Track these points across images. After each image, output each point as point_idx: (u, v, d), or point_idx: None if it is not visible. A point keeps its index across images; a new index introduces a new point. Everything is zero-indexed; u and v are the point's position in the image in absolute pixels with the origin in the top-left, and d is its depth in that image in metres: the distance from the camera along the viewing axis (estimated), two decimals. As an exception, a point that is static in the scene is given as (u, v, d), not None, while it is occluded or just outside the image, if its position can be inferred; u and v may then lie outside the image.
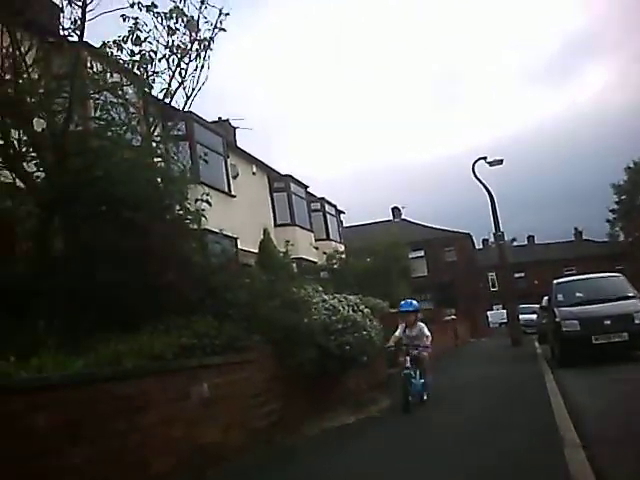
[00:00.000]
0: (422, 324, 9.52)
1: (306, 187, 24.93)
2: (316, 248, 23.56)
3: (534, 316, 26.72)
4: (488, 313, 43.74)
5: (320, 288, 10.53)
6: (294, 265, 15.34)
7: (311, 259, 22.37)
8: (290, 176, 23.57)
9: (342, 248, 26.32)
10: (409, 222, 45.82)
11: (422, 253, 41.62)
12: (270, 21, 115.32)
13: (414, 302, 9.81)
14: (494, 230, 24.74)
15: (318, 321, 8.86)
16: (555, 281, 15.40)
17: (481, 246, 60.82)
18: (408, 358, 8.84)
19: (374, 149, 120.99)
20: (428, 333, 9.33)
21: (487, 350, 23.37)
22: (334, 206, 28.65)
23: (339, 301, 10.02)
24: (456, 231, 44.96)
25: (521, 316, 26.56)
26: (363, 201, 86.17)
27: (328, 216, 27.21)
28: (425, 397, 9.21)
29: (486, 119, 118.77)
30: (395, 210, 48.38)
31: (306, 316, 8.63)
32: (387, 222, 44.55)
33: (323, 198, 27.22)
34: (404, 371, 8.70)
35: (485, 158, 24.79)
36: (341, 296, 10.52)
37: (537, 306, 22.69)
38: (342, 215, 30.60)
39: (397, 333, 9.39)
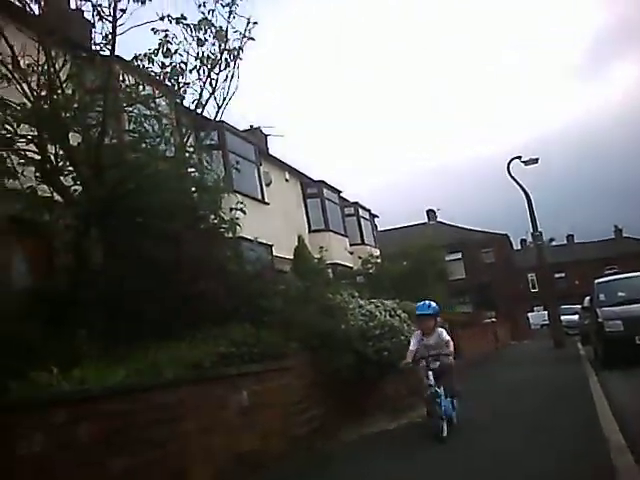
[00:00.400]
0: (441, 329, 8.10)
1: (339, 192, 24.87)
2: (351, 253, 23.48)
3: (576, 317, 26.19)
4: (529, 315, 43.06)
5: (356, 293, 10.48)
6: (329, 270, 15.34)
7: (346, 264, 22.30)
8: (323, 182, 23.54)
9: (377, 252, 26.19)
10: (445, 224, 45.34)
11: (459, 255, 40.96)
12: (284, 25, 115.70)
13: (432, 304, 8.20)
14: (532, 230, 24.36)
15: (355, 327, 8.82)
16: (596, 281, 15.06)
17: (519, 247, 59.97)
18: (430, 373, 7.38)
19: (405, 153, 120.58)
20: (448, 337, 7.95)
21: (529, 352, 22.97)
22: (368, 210, 28.51)
23: (376, 306, 9.95)
24: (493, 232, 44.29)
25: (563, 317, 26.08)
26: (397, 205, 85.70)
27: (362, 220, 27.07)
28: (455, 420, 7.60)
29: (518, 119, 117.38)
30: (430, 212, 48.02)
31: (343, 322, 8.59)
32: (422, 225, 44.24)
33: (357, 202, 27.10)
34: (429, 390, 7.26)
35: (520, 157, 24.45)
36: (378, 301, 10.44)
37: (579, 306, 22.24)
38: (376, 219, 30.46)
39: (412, 347, 7.81)
